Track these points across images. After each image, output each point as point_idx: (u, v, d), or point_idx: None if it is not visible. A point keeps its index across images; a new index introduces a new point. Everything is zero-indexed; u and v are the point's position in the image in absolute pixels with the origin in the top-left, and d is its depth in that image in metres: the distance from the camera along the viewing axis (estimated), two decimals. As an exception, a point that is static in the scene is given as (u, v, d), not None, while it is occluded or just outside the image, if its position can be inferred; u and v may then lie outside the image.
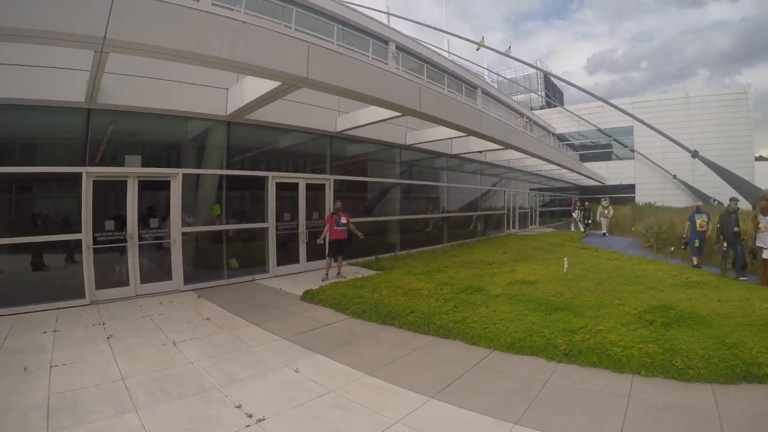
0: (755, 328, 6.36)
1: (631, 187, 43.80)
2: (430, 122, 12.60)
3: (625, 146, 43.55)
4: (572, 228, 27.60)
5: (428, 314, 7.31)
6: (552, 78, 56.37)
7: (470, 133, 13.75)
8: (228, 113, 10.60)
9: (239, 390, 4.87)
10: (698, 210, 13.32)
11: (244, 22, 7.25)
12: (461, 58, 32.63)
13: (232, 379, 5.16)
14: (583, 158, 44.17)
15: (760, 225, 10.10)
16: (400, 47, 22.22)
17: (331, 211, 11.69)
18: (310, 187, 12.75)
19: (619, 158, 45.26)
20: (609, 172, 43.72)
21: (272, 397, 4.70)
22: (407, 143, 16.17)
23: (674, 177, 40.94)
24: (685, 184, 40.09)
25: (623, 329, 6.33)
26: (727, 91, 43.11)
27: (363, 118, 12.30)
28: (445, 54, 29.43)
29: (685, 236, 13.42)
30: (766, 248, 10.02)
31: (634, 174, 44.05)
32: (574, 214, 28.78)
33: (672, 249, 16.31)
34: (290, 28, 13.30)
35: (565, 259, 12.08)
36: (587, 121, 43.45)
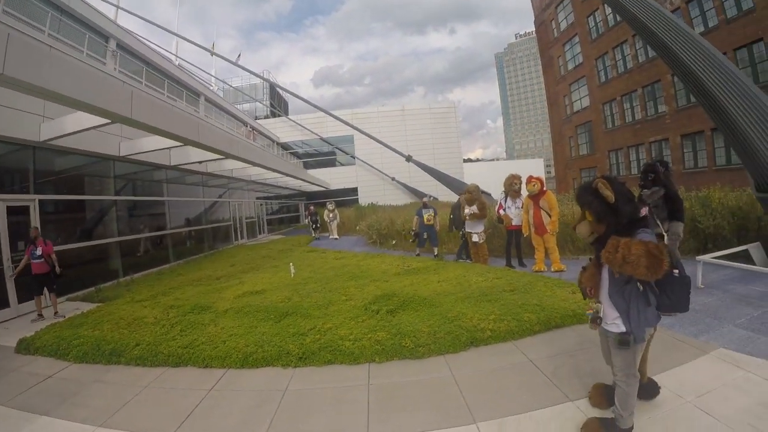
0: (473, 300, 7.08)
1: (354, 190, 46.70)
2: (145, 131, 11.39)
3: (347, 153, 46.23)
4: (313, 233, 27.18)
5: (154, 344, 6.50)
6: (278, 89, 57.60)
7: (187, 142, 12.93)
8: None
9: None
10: (425, 206, 14.25)
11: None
12: (190, 63, 31.13)
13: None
14: (308, 166, 45.75)
15: (466, 213, 11.37)
16: (122, 45, 20.12)
17: (31, 239, 9.62)
18: (12, 210, 10.32)
19: (342, 164, 47.89)
20: (333, 178, 45.80)
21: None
22: (121, 154, 14.35)
23: (393, 179, 45.09)
24: (403, 185, 44.64)
25: (352, 323, 6.49)
26: (438, 105, 51.12)
27: (70, 126, 10.54)
28: (173, 57, 28.22)
29: (414, 230, 14.31)
30: (474, 233, 11.38)
31: (357, 178, 47.11)
32: (310, 218, 28.10)
33: (393, 242, 17.51)
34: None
35: (291, 263, 12.06)
36: (310, 131, 44.96)
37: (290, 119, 47.73)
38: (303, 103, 37.64)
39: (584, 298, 3.76)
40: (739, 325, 5.63)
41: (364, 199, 43.56)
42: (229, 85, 47.75)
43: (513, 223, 10.96)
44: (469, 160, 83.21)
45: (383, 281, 9.62)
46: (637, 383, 3.45)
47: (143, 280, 13.69)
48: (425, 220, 13.82)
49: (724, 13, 23.13)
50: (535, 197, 10.21)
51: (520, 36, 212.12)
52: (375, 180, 46.36)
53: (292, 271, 11.48)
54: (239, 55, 40.64)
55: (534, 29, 47.48)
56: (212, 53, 32.43)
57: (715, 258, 7.93)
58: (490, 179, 32.82)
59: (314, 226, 26.40)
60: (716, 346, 5.00)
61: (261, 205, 32.33)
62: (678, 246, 7.34)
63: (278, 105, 58.71)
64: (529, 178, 10.32)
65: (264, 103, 55.23)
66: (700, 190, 11.71)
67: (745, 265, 7.77)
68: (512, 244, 11.29)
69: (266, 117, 51.88)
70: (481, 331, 5.72)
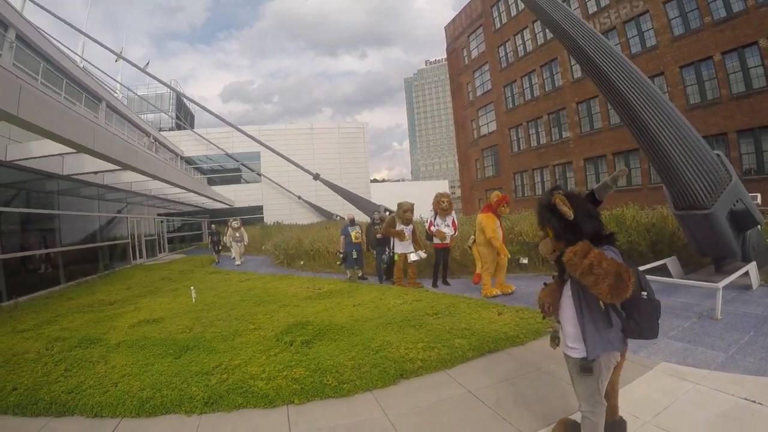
0: (395, 326, 6.55)
1: (259, 209, 45.73)
2: (33, 132, 9.87)
3: (253, 170, 45.30)
4: (215, 256, 23.99)
5: (35, 388, 5.25)
6: (185, 100, 55.87)
7: (80, 149, 11.63)
8: None
9: None
10: (352, 223, 13.30)
11: None
12: (96, 67, 29.28)
13: None
14: (212, 182, 44.41)
15: (406, 234, 10.91)
16: (23, 38, 18.45)
17: None
18: None
19: (247, 182, 47.02)
20: (238, 195, 44.62)
21: None
22: (7, 159, 12.64)
23: (299, 198, 44.58)
24: (309, 204, 44.17)
25: (263, 358, 5.66)
26: (347, 125, 52.74)
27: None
28: (78, 59, 26.38)
29: (341, 251, 12.99)
30: (411, 252, 10.92)
31: (262, 196, 46.32)
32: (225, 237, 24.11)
33: (302, 263, 16.88)
34: None
35: (192, 287, 11.13)
36: (216, 146, 43.59)
37: (196, 132, 46.05)
38: (209, 117, 36.69)
39: (543, 318, 3.55)
40: (673, 338, 5.77)
41: (269, 218, 42.72)
42: (134, 92, 45.40)
43: (445, 241, 10.65)
44: (375, 181, 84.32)
45: (294, 306, 8.94)
46: (604, 412, 3.16)
47: (29, 304, 12.10)
48: (353, 238, 12.73)
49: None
50: (500, 216, 9.65)
51: (430, 63, 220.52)
52: (281, 198, 45.78)
53: (194, 295, 10.53)
54: (147, 63, 38.49)
55: (445, 56, 49.52)
56: (119, 56, 30.63)
57: (638, 273, 8.14)
58: (397, 199, 33.17)
59: (216, 248, 23.39)
60: (658, 361, 5.02)
61: (162, 222, 30.66)
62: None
63: (184, 117, 56.57)
64: (505, 198, 9.62)
65: (169, 114, 53.01)
66: (610, 210, 12.17)
67: (666, 279, 8.23)
68: (440, 263, 10.99)
69: (171, 129, 49.92)
70: (410, 362, 5.18)
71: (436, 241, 10.68)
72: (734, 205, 7.98)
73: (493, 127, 39.60)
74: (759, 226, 8.76)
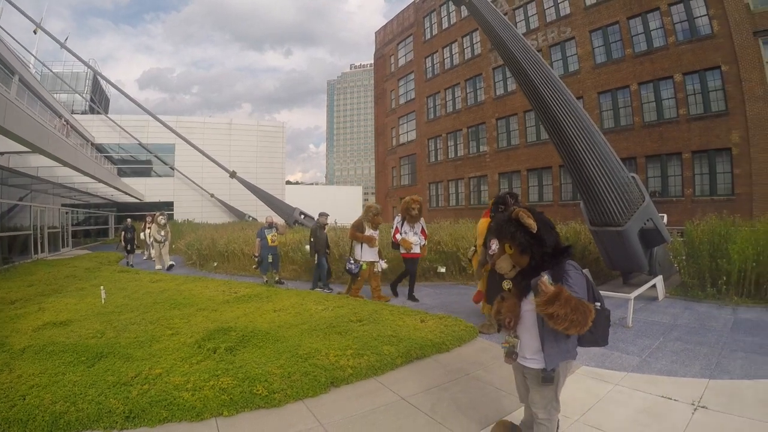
0: (320, 333, 6.48)
1: (170, 205, 43.82)
2: None
3: (166, 163, 43.66)
4: (151, 254, 20.70)
5: None
6: (102, 82, 53.48)
7: (-12, 126, 10.54)
8: None
9: None
10: (270, 225, 12.79)
11: None
12: (11, 36, 26.85)
13: None
14: (122, 173, 42.26)
15: (375, 237, 9.92)
16: None
17: None
18: None
19: (159, 175, 45.28)
20: (148, 189, 42.71)
21: None
22: None
23: (212, 195, 43.42)
24: (222, 203, 43.04)
25: (185, 366, 5.32)
26: (266, 124, 51.64)
27: None
28: None
29: (257, 254, 12.51)
30: (378, 261, 10.04)
31: (174, 191, 44.75)
32: (146, 232, 21.38)
33: (215, 264, 16.50)
34: None
35: (102, 287, 10.43)
36: (130, 134, 41.35)
37: (110, 118, 43.32)
38: (125, 103, 34.78)
39: (498, 331, 3.60)
40: (590, 343, 6.15)
41: (180, 215, 41.15)
42: (49, 69, 42.59)
43: (413, 251, 9.93)
44: (289, 183, 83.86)
45: (212, 310, 8.60)
46: (557, 416, 3.37)
47: None
48: (269, 241, 12.33)
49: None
50: None
51: (355, 67, 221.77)
52: (193, 195, 44.55)
53: (104, 296, 9.92)
54: (66, 38, 36.10)
55: (372, 62, 50.17)
56: (38, 27, 28.58)
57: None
58: (312, 203, 33.18)
59: (129, 246, 19.25)
60: (579, 365, 5.26)
61: (66, 213, 28.92)
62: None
63: (99, 101, 53.72)
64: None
65: (84, 95, 50.40)
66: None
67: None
68: (406, 274, 10.36)
69: (84, 112, 47.38)
70: (340, 369, 5.10)
71: (402, 250, 10.01)
72: (645, 224, 8.57)
73: (412, 136, 40.47)
74: (666, 244, 9.43)
